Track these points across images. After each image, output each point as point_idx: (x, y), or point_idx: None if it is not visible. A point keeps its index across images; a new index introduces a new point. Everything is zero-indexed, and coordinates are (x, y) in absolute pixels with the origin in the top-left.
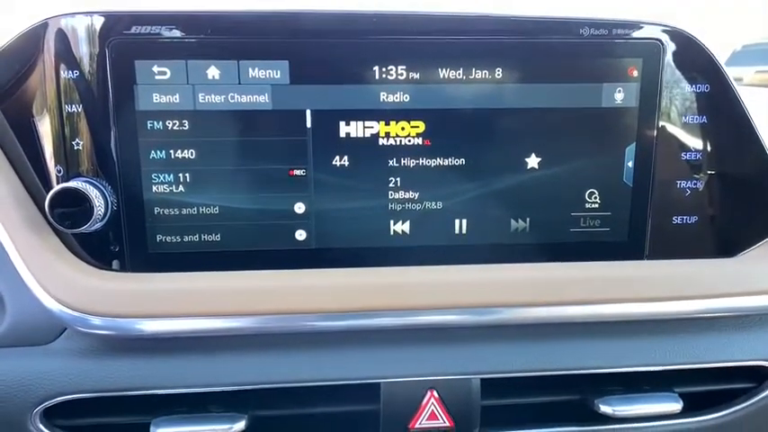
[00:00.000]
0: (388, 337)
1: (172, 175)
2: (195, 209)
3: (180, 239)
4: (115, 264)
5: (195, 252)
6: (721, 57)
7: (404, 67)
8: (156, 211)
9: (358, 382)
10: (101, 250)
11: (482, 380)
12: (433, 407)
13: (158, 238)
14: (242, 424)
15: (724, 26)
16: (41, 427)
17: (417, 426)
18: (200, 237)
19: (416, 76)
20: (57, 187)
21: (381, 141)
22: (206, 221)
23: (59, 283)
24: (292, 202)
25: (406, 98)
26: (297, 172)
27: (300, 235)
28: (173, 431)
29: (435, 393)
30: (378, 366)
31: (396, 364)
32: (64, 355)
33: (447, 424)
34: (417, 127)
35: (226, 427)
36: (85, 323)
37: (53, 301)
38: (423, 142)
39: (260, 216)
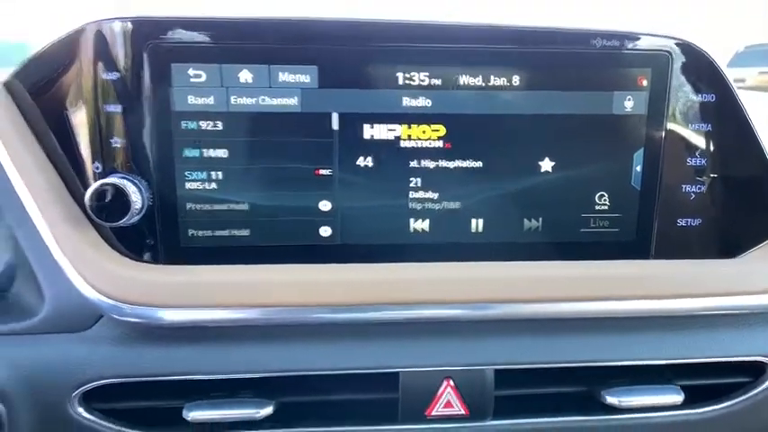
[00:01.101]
0: (408, 330)
1: (204, 173)
2: (226, 205)
3: (211, 234)
4: (149, 256)
5: (225, 246)
6: (723, 58)
7: (426, 73)
8: (188, 207)
9: (378, 371)
10: (136, 243)
11: (495, 371)
12: (449, 395)
13: (190, 233)
14: (269, 409)
15: (725, 29)
16: (80, 410)
17: (434, 413)
18: (230, 232)
19: (438, 82)
20: (97, 183)
21: (403, 143)
22: (236, 217)
23: (97, 273)
24: (318, 200)
25: (428, 103)
26: (323, 171)
27: (325, 231)
28: (205, 414)
29: (451, 383)
30: (397, 357)
31: (414, 355)
32: (100, 342)
33: (462, 412)
34: (438, 130)
35: (254, 411)
36: (121, 311)
37: (91, 290)
38: (443, 145)
39: (287, 213)
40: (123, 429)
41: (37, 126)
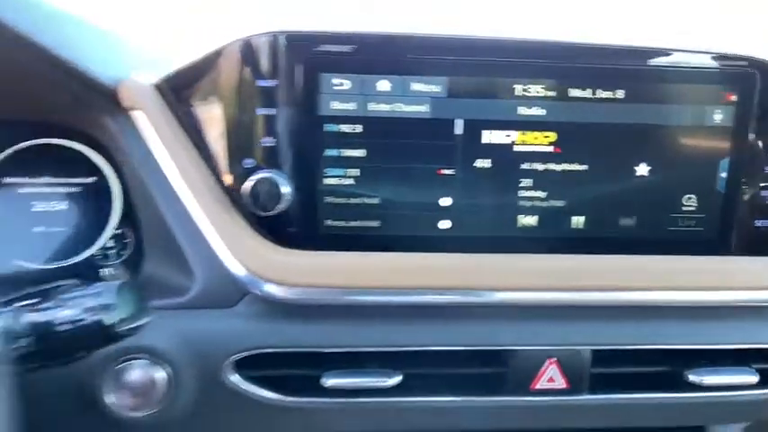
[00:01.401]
0: (517, 313)
1: (342, 170)
2: (359, 199)
3: (345, 224)
4: (290, 242)
5: (357, 235)
6: None
7: (542, 86)
8: (326, 200)
9: (490, 348)
10: (280, 230)
11: (593, 351)
12: (552, 372)
13: (328, 222)
14: (398, 379)
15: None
16: (232, 377)
17: (537, 387)
18: (361, 222)
19: (552, 93)
20: (257, 175)
21: (518, 148)
22: (367, 210)
23: (247, 255)
24: (439, 197)
25: (542, 112)
26: (445, 171)
27: (444, 224)
28: (341, 381)
29: (555, 360)
30: (507, 336)
31: (522, 335)
32: (246, 317)
33: (563, 386)
34: (549, 137)
35: (384, 380)
36: (269, 289)
37: (242, 270)
38: (553, 150)
39: (412, 207)
40: (269, 394)
41: (188, 125)
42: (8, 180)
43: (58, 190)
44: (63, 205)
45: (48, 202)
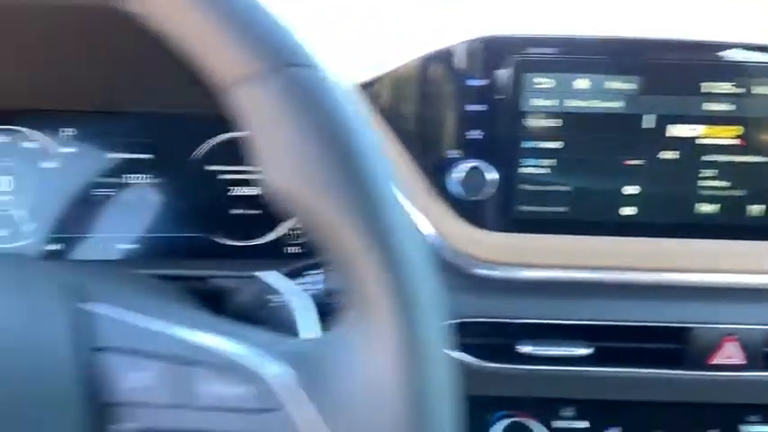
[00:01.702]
0: (698, 293)
1: (537, 161)
2: (551, 187)
3: (537, 209)
4: (486, 224)
5: (547, 219)
6: None
7: (728, 83)
8: (522, 187)
9: (674, 325)
10: (478, 214)
11: None
12: (730, 348)
13: (522, 208)
14: (587, 350)
15: None
16: None
17: (715, 361)
18: (553, 208)
19: (737, 90)
20: (466, 165)
21: (702, 141)
22: (559, 197)
23: (451, 235)
24: (624, 185)
25: (728, 107)
26: (631, 162)
27: (627, 210)
28: (534, 348)
29: (734, 337)
30: (689, 314)
31: (703, 313)
32: (450, 290)
33: (742, 362)
34: (734, 130)
35: (574, 350)
36: (472, 266)
37: (448, 248)
38: (739, 143)
39: (599, 194)
40: (470, 359)
41: (392, 120)
42: (210, 168)
43: (251, 177)
44: (256, 190)
45: (243, 188)
